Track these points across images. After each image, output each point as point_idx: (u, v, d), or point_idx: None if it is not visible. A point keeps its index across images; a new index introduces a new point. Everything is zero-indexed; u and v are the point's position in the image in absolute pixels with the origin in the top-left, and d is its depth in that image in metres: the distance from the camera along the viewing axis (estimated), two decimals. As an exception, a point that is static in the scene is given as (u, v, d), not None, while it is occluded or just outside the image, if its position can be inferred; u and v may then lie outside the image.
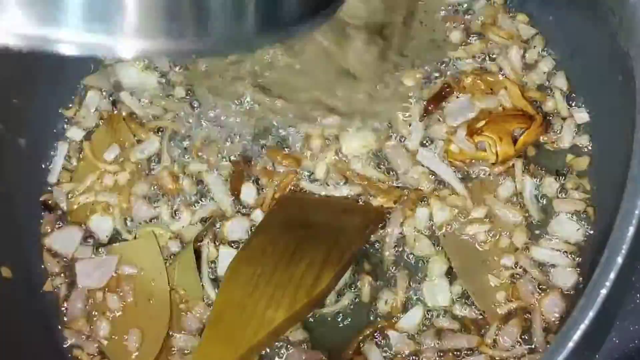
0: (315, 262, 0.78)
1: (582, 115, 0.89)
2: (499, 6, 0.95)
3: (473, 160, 0.88)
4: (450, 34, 0.95)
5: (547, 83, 0.92)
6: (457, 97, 0.91)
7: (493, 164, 0.88)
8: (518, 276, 0.84)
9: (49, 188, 0.96)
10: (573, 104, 0.91)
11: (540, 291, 0.83)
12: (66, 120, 0.98)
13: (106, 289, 0.90)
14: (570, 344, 0.57)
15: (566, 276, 0.83)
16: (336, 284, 0.80)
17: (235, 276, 0.78)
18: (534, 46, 0.94)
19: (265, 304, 0.74)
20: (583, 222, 0.85)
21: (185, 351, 0.87)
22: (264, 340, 0.72)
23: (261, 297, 0.75)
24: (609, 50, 0.77)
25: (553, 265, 0.84)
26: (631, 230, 0.59)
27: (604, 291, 0.58)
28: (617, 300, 0.66)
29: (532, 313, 0.82)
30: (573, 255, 0.84)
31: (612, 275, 0.58)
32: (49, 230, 0.93)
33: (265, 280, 0.76)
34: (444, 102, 0.91)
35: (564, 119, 0.90)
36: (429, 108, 0.91)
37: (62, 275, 0.91)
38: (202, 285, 0.88)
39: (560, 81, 0.92)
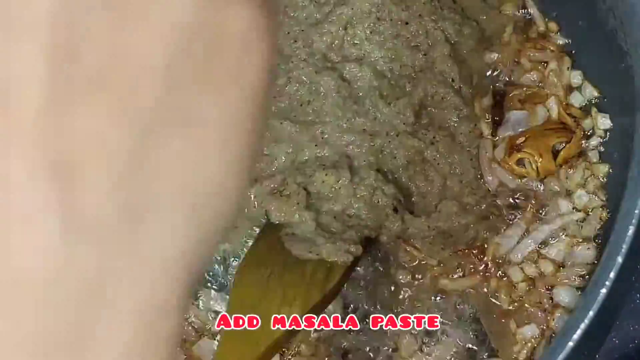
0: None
1: (605, 122, 0.84)
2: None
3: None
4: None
5: (586, 103, 0.87)
6: (517, 109, 0.87)
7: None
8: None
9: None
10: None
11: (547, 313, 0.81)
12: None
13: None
14: (570, 344, 0.57)
15: (573, 296, 0.80)
16: (348, 279, 0.80)
17: (245, 277, 0.77)
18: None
19: (278, 302, 0.74)
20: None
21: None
22: (281, 339, 0.72)
23: (274, 298, 0.74)
24: (609, 50, 0.77)
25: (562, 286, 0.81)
26: (631, 230, 0.59)
27: (603, 291, 0.58)
28: (617, 300, 0.66)
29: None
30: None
31: (612, 275, 0.58)
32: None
33: (276, 280, 0.76)
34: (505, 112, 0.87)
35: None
36: (495, 118, 0.87)
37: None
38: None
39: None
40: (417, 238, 0.84)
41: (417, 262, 0.84)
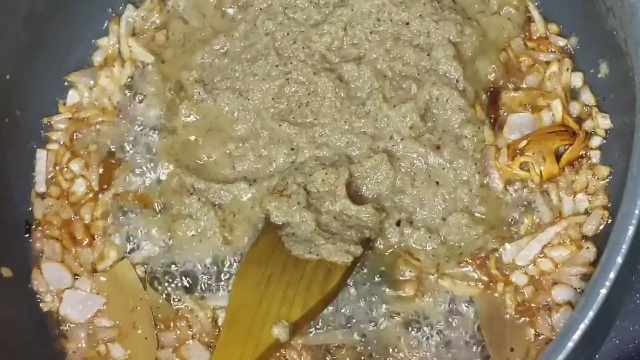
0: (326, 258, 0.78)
1: (605, 122, 0.84)
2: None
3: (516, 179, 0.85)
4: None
5: (586, 104, 0.87)
6: (520, 112, 0.88)
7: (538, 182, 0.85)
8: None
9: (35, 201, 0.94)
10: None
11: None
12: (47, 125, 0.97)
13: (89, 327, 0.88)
14: (570, 344, 0.57)
15: (574, 295, 0.81)
16: (348, 279, 0.80)
17: (246, 277, 0.78)
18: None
19: (278, 302, 0.74)
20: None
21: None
22: (279, 341, 0.72)
23: (274, 296, 0.75)
24: (609, 50, 0.77)
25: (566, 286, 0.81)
26: (631, 230, 0.59)
27: (603, 291, 0.58)
28: (617, 300, 0.66)
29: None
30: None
31: (612, 275, 0.58)
32: (39, 246, 0.91)
33: (276, 279, 0.76)
34: (503, 113, 0.88)
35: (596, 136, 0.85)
36: (495, 120, 0.88)
37: (52, 300, 0.90)
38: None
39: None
40: (418, 250, 0.83)
41: (417, 272, 0.83)
